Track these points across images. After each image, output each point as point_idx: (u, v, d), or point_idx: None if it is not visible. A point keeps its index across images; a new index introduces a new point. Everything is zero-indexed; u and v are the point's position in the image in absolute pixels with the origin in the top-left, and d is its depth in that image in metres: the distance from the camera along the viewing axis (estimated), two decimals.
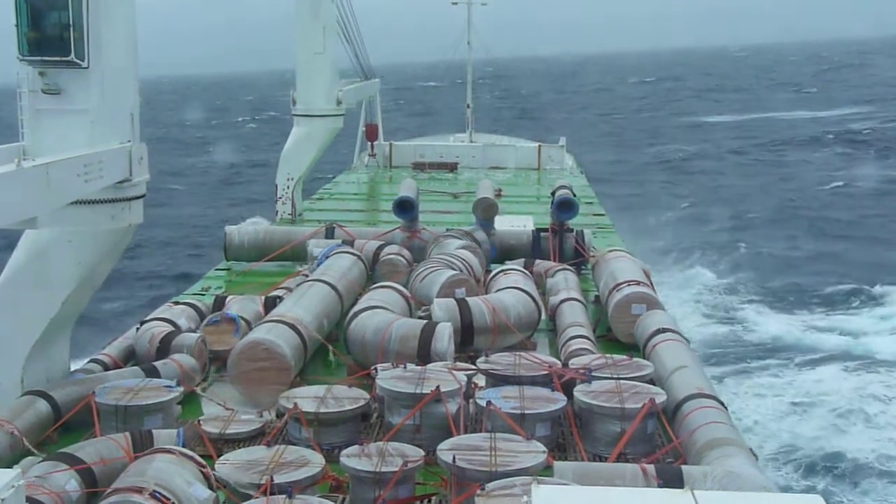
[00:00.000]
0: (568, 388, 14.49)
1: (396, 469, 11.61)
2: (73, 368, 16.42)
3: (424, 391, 13.63)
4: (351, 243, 23.88)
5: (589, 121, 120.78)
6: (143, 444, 12.63)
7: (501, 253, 24.90)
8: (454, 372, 14.74)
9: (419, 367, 14.88)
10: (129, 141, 15.24)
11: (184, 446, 12.59)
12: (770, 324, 37.27)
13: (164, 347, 16.87)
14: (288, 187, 33.33)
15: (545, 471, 11.52)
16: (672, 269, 43.62)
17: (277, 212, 33.59)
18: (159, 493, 10.57)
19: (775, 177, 72.77)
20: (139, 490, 10.55)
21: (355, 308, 18.15)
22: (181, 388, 14.81)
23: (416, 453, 12.16)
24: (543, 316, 19.52)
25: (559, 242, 24.88)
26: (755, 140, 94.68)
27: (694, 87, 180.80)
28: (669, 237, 49.41)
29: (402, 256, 23.20)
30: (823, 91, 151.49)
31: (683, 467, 11.84)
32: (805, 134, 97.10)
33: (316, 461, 11.88)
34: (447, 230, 25.03)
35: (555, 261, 24.01)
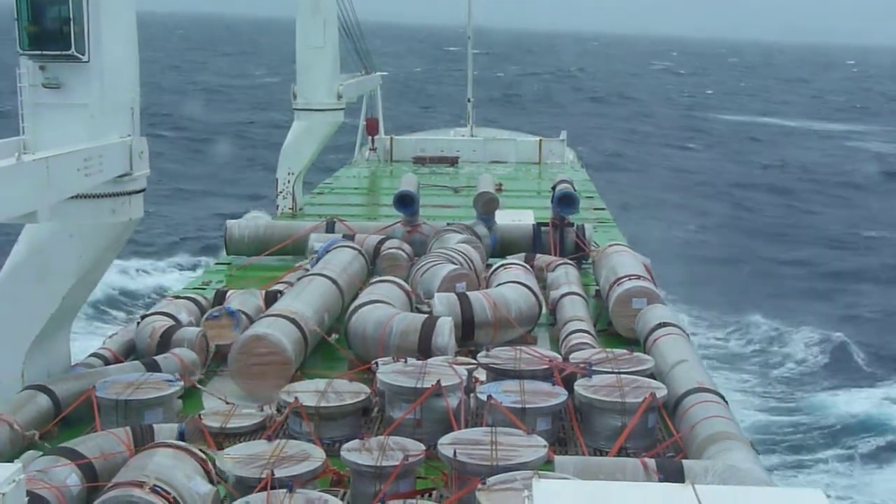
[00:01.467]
0: (569, 383, 14.49)
1: (397, 463, 11.61)
2: (73, 362, 16.41)
3: (425, 385, 13.62)
4: (352, 237, 23.87)
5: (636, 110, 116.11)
6: (143, 439, 12.65)
7: (502, 247, 24.86)
8: (455, 366, 14.76)
9: (420, 362, 14.90)
10: (130, 135, 15.21)
11: (184, 440, 12.61)
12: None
13: (165, 342, 16.86)
14: (288, 182, 33.27)
15: (546, 465, 11.53)
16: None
17: (278, 206, 33.55)
18: (160, 487, 10.59)
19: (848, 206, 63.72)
20: (140, 485, 10.57)
21: (356, 302, 18.13)
22: (182, 383, 14.83)
23: (416, 447, 12.15)
24: (544, 310, 19.54)
25: (560, 237, 24.86)
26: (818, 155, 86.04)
27: (730, 83, 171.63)
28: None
29: (403, 251, 23.19)
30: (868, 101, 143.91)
31: (684, 461, 11.87)
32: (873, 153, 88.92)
33: (317, 455, 11.88)
34: (448, 224, 24.97)
35: (555, 255, 24.00)
